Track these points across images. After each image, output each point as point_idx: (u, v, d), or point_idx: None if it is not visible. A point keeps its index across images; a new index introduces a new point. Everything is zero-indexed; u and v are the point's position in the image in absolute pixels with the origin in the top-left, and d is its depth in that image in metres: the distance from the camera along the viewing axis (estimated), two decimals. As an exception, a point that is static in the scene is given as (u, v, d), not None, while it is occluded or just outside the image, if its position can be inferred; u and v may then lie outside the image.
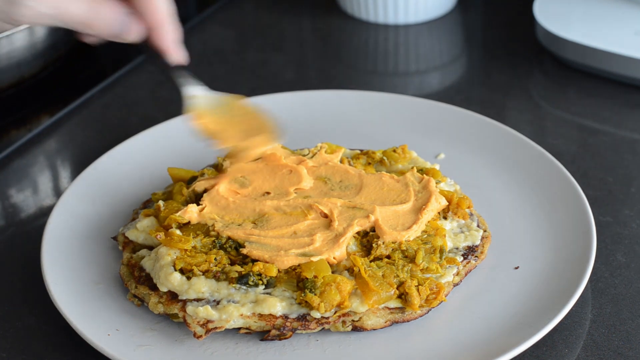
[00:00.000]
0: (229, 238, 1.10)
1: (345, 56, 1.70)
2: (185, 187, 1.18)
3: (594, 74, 1.55)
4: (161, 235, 1.09)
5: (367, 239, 1.10)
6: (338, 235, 1.09)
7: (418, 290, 1.05)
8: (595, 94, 1.52)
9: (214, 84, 1.60)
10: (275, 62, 1.68)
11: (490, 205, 1.23)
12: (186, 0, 1.89)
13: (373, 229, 1.11)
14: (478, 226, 1.15)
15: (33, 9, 0.99)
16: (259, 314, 1.03)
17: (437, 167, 1.24)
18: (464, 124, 1.37)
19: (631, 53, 1.47)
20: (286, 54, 1.71)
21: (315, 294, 1.02)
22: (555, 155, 1.33)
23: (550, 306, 1.04)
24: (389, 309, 1.05)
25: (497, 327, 1.04)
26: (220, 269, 1.06)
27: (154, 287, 1.07)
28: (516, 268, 1.13)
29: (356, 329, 1.05)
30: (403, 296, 1.05)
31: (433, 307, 1.06)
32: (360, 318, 1.04)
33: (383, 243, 1.08)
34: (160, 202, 1.15)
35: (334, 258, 1.07)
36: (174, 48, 1.10)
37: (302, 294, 1.03)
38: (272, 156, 1.19)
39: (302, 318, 1.03)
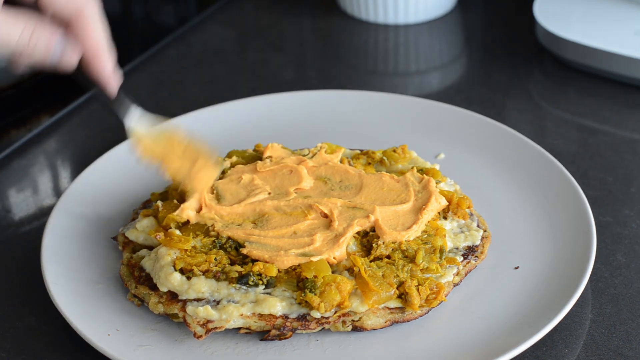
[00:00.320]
0: (229, 238, 1.10)
1: (345, 56, 1.70)
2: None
3: (594, 74, 1.55)
4: (160, 236, 1.09)
5: (367, 239, 1.10)
6: (338, 235, 1.09)
7: (418, 290, 1.05)
8: (595, 94, 1.52)
9: (214, 84, 1.61)
10: (275, 62, 1.68)
11: (490, 205, 1.23)
12: (186, 0, 1.90)
13: (373, 229, 1.11)
14: (478, 226, 1.15)
15: None
16: (259, 314, 1.03)
17: (437, 167, 1.24)
18: (464, 124, 1.37)
19: (631, 53, 1.47)
20: (286, 54, 1.71)
21: (315, 294, 1.02)
22: (555, 155, 1.33)
23: (550, 306, 1.04)
24: (389, 309, 1.05)
25: (497, 327, 1.04)
26: (220, 269, 1.06)
27: (154, 287, 1.07)
28: (516, 268, 1.13)
29: (356, 329, 1.05)
30: (403, 296, 1.05)
31: (433, 307, 1.06)
32: (360, 318, 1.04)
33: (383, 243, 1.08)
34: (159, 202, 1.15)
35: (334, 258, 1.07)
36: (110, 76, 1.05)
37: (302, 294, 1.03)
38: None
39: (302, 318, 1.03)
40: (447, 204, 1.16)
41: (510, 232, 1.18)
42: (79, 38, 1.01)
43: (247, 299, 1.04)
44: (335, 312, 1.03)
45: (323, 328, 1.05)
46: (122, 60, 1.64)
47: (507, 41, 1.70)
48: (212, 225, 1.11)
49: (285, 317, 1.03)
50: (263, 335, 1.04)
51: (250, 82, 1.62)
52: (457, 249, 1.13)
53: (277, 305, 1.03)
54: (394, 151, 1.24)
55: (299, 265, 1.05)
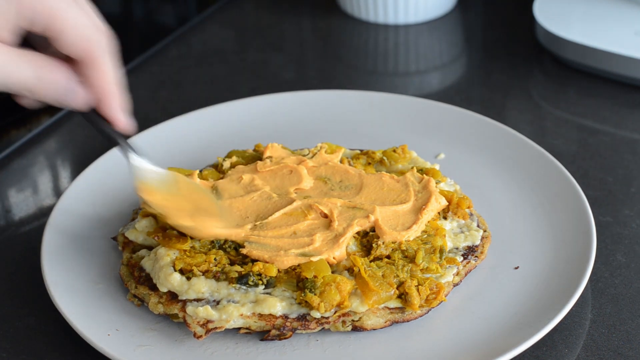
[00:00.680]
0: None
1: (345, 56, 1.70)
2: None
3: (594, 74, 1.55)
4: (159, 236, 1.09)
5: (367, 239, 1.10)
6: (338, 235, 1.09)
7: (418, 290, 1.05)
8: (595, 94, 1.52)
9: (214, 84, 1.61)
10: (275, 62, 1.68)
11: (490, 205, 1.23)
12: (186, 0, 1.90)
13: (373, 229, 1.10)
14: (478, 226, 1.15)
15: None
16: (259, 314, 1.03)
17: (437, 167, 1.24)
18: (464, 124, 1.37)
19: (631, 53, 1.47)
20: (286, 54, 1.71)
21: (315, 294, 1.02)
22: (555, 155, 1.33)
23: (550, 306, 1.04)
24: (389, 309, 1.05)
25: (497, 327, 1.04)
26: (220, 269, 1.06)
27: (154, 287, 1.07)
28: (516, 268, 1.13)
29: (356, 329, 1.05)
30: (403, 296, 1.05)
31: (433, 307, 1.06)
32: (360, 318, 1.04)
33: (383, 243, 1.08)
34: (160, 202, 1.15)
35: (333, 258, 1.07)
36: (121, 117, 1.04)
37: (302, 294, 1.03)
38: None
39: (302, 318, 1.03)
40: (447, 204, 1.16)
41: (510, 232, 1.18)
42: (89, 79, 1.00)
43: (247, 299, 1.04)
44: (335, 312, 1.03)
45: (323, 328, 1.05)
46: (122, 60, 1.65)
47: (507, 41, 1.70)
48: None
49: (285, 317, 1.03)
50: (263, 335, 1.04)
51: (250, 82, 1.62)
52: (457, 249, 1.13)
53: (277, 305, 1.03)
54: (394, 151, 1.24)
55: (298, 265, 1.05)
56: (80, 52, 0.98)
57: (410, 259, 1.08)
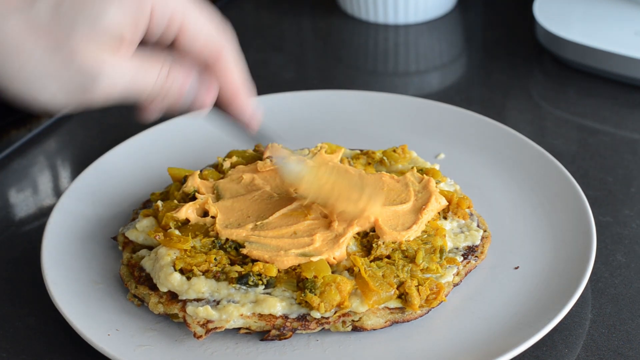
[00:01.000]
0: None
1: (345, 56, 1.70)
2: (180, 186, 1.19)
3: (594, 74, 1.55)
4: (160, 236, 1.09)
5: (367, 239, 1.10)
6: (338, 236, 1.09)
7: (418, 290, 1.05)
8: (595, 94, 1.52)
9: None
10: (275, 62, 1.68)
11: (490, 205, 1.23)
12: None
13: (373, 229, 1.10)
14: (478, 226, 1.15)
15: (111, 79, 0.90)
16: (259, 314, 1.03)
17: (437, 167, 1.24)
18: (464, 124, 1.37)
19: (631, 53, 1.47)
20: (286, 54, 1.71)
21: (315, 294, 1.02)
22: (555, 155, 1.33)
23: (550, 306, 1.04)
24: (389, 309, 1.05)
25: (497, 327, 1.04)
26: (220, 269, 1.06)
27: (154, 287, 1.07)
28: (516, 268, 1.13)
29: (356, 329, 1.05)
30: (403, 296, 1.05)
31: (433, 307, 1.06)
32: (360, 318, 1.04)
33: (383, 243, 1.08)
34: (159, 202, 1.15)
35: (333, 258, 1.07)
36: (252, 116, 1.04)
37: (302, 294, 1.03)
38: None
39: (302, 318, 1.03)
40: (447, 204, 1.16)
41: (510, 232, 1.18)
42: (218, 80, 0.99)
43: (247, 299, 1.04)
44: (335, 312, 1.03)
45: (323, 328, 1.05)
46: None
47: (507, 41, 1.70)
48: (212, 225, 1.11)
49: (285, 317, 1.03)
50: (263, 336, 1.04)
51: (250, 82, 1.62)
52: (457, 249, 1.13)
53: (277, 305, 1.03)
54: (394, 151, 1.24)
55: (299, 265, 1.05)
56: (208, 52, 0.98)
57: (411, 259, 1.08)
